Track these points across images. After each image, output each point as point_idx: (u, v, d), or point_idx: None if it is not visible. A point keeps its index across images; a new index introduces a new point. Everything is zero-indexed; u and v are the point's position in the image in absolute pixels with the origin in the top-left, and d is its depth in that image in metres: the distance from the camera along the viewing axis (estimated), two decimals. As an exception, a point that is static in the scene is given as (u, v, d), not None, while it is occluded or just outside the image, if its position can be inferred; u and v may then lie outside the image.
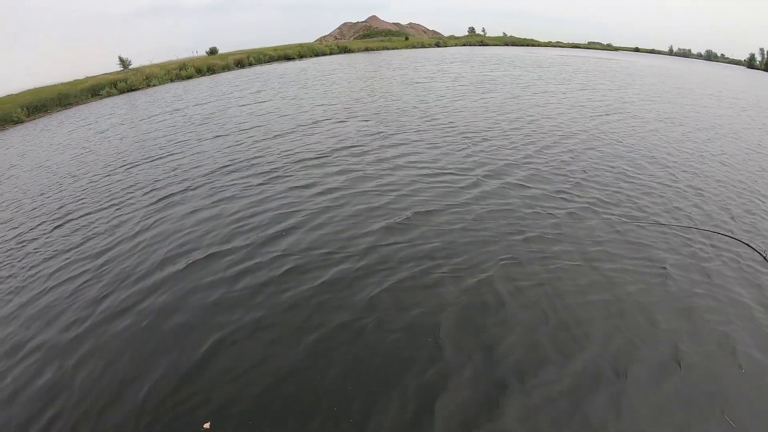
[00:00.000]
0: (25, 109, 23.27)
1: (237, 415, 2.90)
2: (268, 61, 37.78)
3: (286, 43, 45.67)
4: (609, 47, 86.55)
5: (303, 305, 3.86)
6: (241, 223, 5.52)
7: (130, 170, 8.73)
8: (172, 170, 8.26)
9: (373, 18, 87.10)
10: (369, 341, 3.43)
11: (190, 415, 2.93)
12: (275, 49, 41.45)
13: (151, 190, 7.30)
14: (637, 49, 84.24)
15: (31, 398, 3.28)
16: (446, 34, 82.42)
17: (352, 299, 3.89)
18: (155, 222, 5.96)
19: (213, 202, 6.35)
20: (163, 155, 9.50)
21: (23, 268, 5.35)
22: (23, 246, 6.03)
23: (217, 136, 10.50)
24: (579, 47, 79.41)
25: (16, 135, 17.77)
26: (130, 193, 7.36)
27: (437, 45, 59.95)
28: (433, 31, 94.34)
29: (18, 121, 22.35)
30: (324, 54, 42.91)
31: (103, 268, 4.90)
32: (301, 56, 40.46)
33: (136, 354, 3.53)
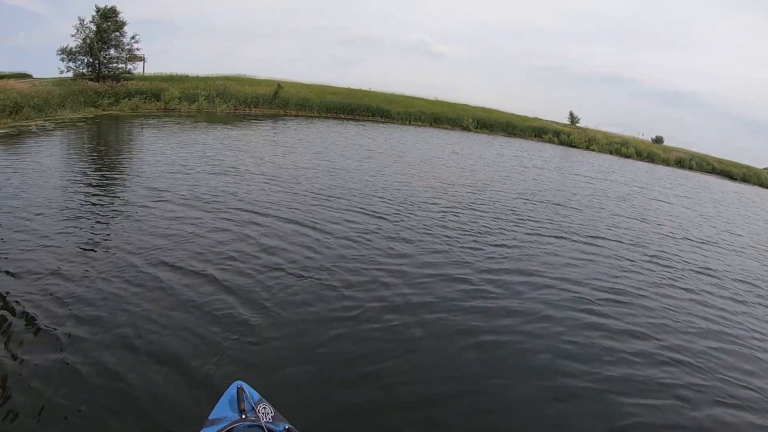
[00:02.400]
0: (475, 121, 30.74)
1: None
2: (709, 171, 35.32)
3: (733, 160, 39.81)
4: None
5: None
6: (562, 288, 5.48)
7: (518, 209, 9.28)
8: (553, 222, 8.67)
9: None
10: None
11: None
12: (720, 161, 37.57)
13: (524, 222, 8.14)
14: None
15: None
16: None
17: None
18: (499, 256, 6.19)
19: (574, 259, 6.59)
20: (564, 206, 10.36)
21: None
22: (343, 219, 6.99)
23: (620, 216, 10.57)
24: None
25: (465, 138, 23.55)
26: (505, 223, 8.03)
27: None
28: None
29: (466, 129, 29.68)
30: (765, 186, 35.25)
31: (418, 272, 5.29)
32: (744, 179, 35.08)
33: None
